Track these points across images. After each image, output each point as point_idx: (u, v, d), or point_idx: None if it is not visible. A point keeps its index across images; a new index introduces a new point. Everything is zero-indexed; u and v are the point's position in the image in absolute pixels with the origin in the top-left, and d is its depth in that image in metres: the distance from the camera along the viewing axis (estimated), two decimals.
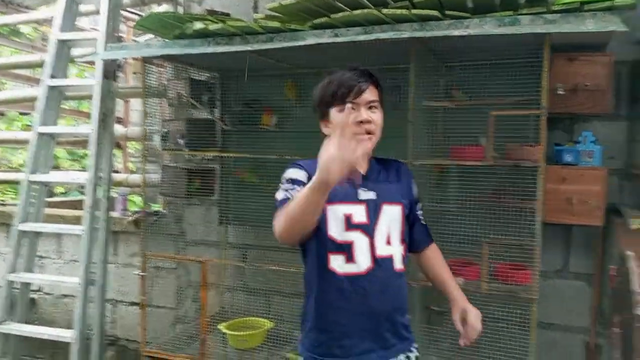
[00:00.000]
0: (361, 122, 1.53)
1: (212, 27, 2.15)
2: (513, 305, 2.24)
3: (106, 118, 2.92)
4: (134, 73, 3.90)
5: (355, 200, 1.58)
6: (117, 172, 4.24)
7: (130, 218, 3.33)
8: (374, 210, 1.59)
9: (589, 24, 1.74)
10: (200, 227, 3.23)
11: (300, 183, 1.54)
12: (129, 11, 4.08)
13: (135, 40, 4.14)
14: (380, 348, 1.58)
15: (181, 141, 2.68)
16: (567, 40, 1.98)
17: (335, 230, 1.55)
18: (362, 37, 2.03)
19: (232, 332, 2.73)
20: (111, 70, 2.90)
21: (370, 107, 1.56)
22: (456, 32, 1.88)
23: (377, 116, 1.57)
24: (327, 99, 1.59)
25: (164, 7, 3.31)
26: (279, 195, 1.57)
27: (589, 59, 2.09)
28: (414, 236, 1.72)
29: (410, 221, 1.70)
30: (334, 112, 1.57)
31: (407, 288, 1.68)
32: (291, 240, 1.51)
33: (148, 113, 2.70)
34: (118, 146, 4.49)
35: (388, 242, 1.60)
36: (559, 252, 2.61)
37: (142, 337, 2.70)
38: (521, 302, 2.11)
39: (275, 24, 2.14)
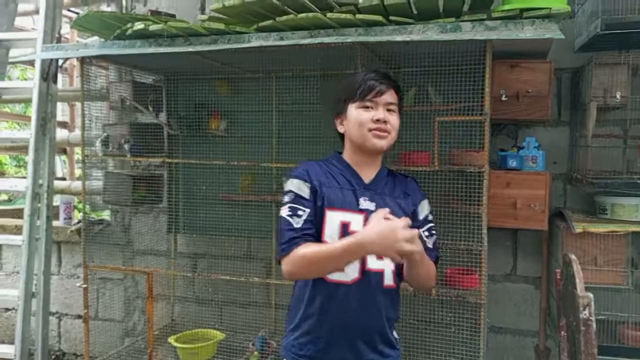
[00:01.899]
0: (378, 120, 1.55)
1: (153, 27, 2.08)
2: (463, 309, 2.25)
3: (46, 122, 2.79)
4: (79, 76, 3.77)
5: (355, 209, 1.58)
6: (63, 179, 4.09)
7: (73, 227, 3.20)
8: None
9: (527, 31, 1.77)
10: (148, 236, 3.13)
11: (305, 202, 1.55)
12: (74, 12, 3.94)
13: (79, 42, 3.99)
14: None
15: (125, 146, 2.59)
16: (509, 47, 2.00)
17: (330, 236, 1.54)
18: (307, 41, 2.01)
19: (182, 345, 2.66)
20: (50, 72, 2.78)
21: (388, 110, 1.58)
22: (399, 38, 1.88)
23: (394, 119, 1.59)
24: (348, 94, 1.62)
25: (109, 8, 3.20)
26: (284, 212, 1.56)
27: (530, 66, 2.13)
28: None
29: None
30: (351, 108, 1.60)
31: (397, 305, 1.65)
32: (301, 278, 1.58)
33: (90, 117, 2.60)
34: (64, 152, 4.33)
35: (380, 257, 1.56)
36: (507, 256, 2.64)
37: (86, 352, 2.59)
38: (470, 306, 2.12)
39: (220, 26, 2.09)
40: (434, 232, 1.69)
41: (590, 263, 2.11)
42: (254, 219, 2.74)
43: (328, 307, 1.55)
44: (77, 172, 4.21)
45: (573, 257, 1.72)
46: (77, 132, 3.66)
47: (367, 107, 1.58)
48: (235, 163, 2.52)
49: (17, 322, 2.73)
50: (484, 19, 1.84)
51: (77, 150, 4.30)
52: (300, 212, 1.52)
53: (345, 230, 1.55)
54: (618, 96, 2.07)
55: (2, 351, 2.84)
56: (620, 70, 2.09)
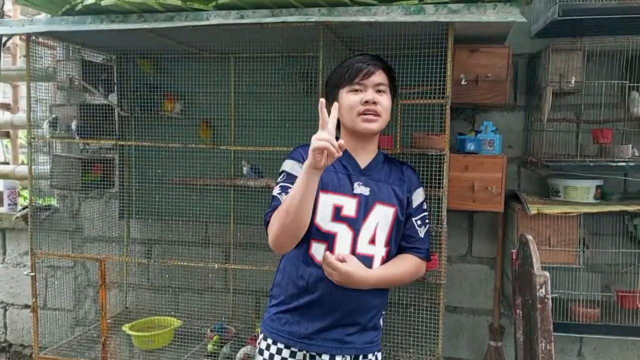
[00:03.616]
0: (367, 102, 1.55)
1: (105, 2, 1.96)
2: (422, 290, 2.28)
3: None
4: (23, 55, 3.55)
5: (349, 193, 1.59)
6: (6, 163, 3.87)
7: (19, 213, 3.03)
8: (364, 207, 1.58)
9: (490, 15, 1.78)
10: (99, 222, 3.01)
11: (295, 179, 1.53)
12: None
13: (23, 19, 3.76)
14: (337, 341, 1.57)
15: (73, 128, 2.46)
16: (469, 31, 2.02)
17: (322, 218, 1.55)
18: (269, 20, 1.95)
19: (137, 333, 2.58)
20: None
21: (378, 91, 1.58)
22: (364, 19, 1.86)
23: (384, 99, 1.59)
24: (336, 80, 1.62)
25: None
26: (275, 191, 1.59)
27: (489, 51, 2.15)
28: (401, 243, 1.68)
29: (404, 229, 1.67)
30: (342, 94, 1.60)
31: (384, 291, 1.67)
32: (286, 244, 1.52)
33: (35, 98, 2.45)
34: (7, 135, 4.09)
35: (372, 242, 1.59)
36: (463, 238, 2.70)
37: (35, 342, 2.48)
38: (430, 287, 2.16)
39: (176, 2, 1.99)
40: (427, 221, 1.71)
41: (544, 243, 2.18)
42: (211, 204, 2.68)
43: (315, 287, 1.56)
44: (21, 157, 3.99)
45: (530, 237, 1.77)
46: (21, 114, 3.47)
47: (356, 91, 1.59)
48: (193, 146, 2.45)
49: None
50: (447, 2, 1.84)
51: (21, 134, 4.08)
52: (289, 190, 1.51)
53: (337, 213, 1.57)
54: (573, 81, 2.12)
55: None
56: (575, 56, 2.15)
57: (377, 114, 1.57)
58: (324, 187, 1.56)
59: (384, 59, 1.65)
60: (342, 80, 1.60)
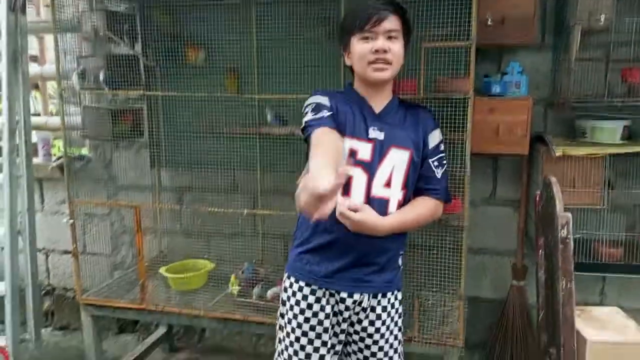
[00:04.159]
0: (377, 51, 1.52)
1: None
2: (445, 233, 2.33)
3: (17, 56, 2.67)
4: (46, 6, 3.56)
5: (364, 137, 1.60)
6: (37, 115, 3.97)
7: (54, 164, 3.15)
8: (379, 151, 1.60)
9: None
10: (131, 171, 3.11)
11: (326, 108, 1.56)
12: None
13: None
14: (356, 280, 1.64)
15: (101, 79, 2.50)
16: None
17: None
18: None
19: (174, 275, 2.71)
20: (18, 2, 2.62)
21: (389, 37, 1.54)
22: None
23: (396, 46, 1.56)
24: (348, 27, 1.59)
25: None
26: (308, 117, 1.57)
27: None
28: (418, 185, 1.70)
29: (421, 170, 1.69)
30: (354, 41, 1.58)
31: (403, 234, 1.72)
32: None
33: (62, 49, 2.49)
34: (37, 88, 4.17)
35: (387, 185, 1.61)
36: (487, 182, 2.72)
37: (77, 286, 2.63)
38: (452, 229, 2.20)
39: None
40: (444, 162, 1.72)
41: (568, 185, 2.18)
42: (238, 152, 2.73)
43: (332, 228, 1.60)
44: (50, 107, 4.08)
45: (553, 179, 1.78)
46: (49, 66, 3.52)
47: (366, 38, 1.56)
48: (219, 95, 2.48)
49: (4, 260, 2.74)
50: None
51: (49, 85, 4.15)
52: (324, 111, 1.55)
53: (353, 157, 1.58)
54: (602, 19, 2.06)
55: None
56: None
57: (387, 62, 1.55)
58: (342, 129, 1.57)
59: (399, 1, 1.60)
60: (353, 28, 1.57)
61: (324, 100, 1.60)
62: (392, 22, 1.55)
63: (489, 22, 2.11)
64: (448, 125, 2.01)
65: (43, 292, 3.55)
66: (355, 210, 1.49)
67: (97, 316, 2.64)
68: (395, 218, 1.61)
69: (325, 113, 1.56)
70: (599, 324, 1.82)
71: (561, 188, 1.73)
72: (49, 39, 3.56)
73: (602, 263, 2.28)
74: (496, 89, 2.24)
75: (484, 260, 2.79)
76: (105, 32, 2.49)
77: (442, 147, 1.72)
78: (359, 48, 1.56)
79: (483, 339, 2.78)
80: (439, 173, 1.70)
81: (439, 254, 2.25)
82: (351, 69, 1.67)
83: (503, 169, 2.68)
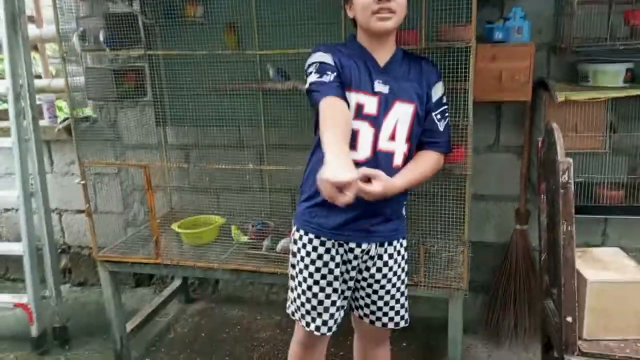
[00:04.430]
0: (380, 0, 1.51)
1: None
2: (448, 181, 2.36)
3: (16, 18, 2.65)
4: None
5: (370, 91, 1.61)
6: (39, 77, 3.96)
7: (60, 125, 3.17)
8: (384, 105, 1.61)
9: None
10: (136, 130, 3.13)
11: (330, 67, 1.56)
12: None
13: None
14: (363, 231, 1.69)
15: (101, 39, 2.49)
16: None
17: None
18: None
19: (186, 231, 2.78)
20: None
21: None
22: None
23: None
24: None
25: None
26: (312, 78, 1.57)
27: None
28: (421, 138, 1.73)
29: (424, 123, 1.71)
30: None
31: None
32: None
33: (60, 8, 2.45)
34: (35, 49, 4.13)
35: (392, 138, 1.63)
36: (490, 129, 2.73)
37: (93, 244, 2.71)
38: (456, 178, 2.23)
39: None
40: (447, 114, 1.74)
41: (571, 130, 2.20)
42: (242, 108, 2.74)
43: None
44: (51, 69, 4.06)
45: (555, 125, 1.80)
46: (47, 27, 3.48)
47: None
48: (220, 52, 2.47)
49: (20, 221, 2.82)
50: None
51: (48, 46, 4.11)
52: (328, 73, 1.55)
53: (359, 111, 1.60)
54: None
55: (11, 249, 2.97)
56: None
57: (391, 11, 1.53)
58: (347, 84, 1.59)
59: None
60: None
61: (327, 58, 1.60)
62: None
63: None
64: (450, 74, 2.01)
65: (59, 250, 3.66)
66: (369, 180, 1.48)
67: (114, 272, 2.73)
68: (404, 180, 1.65)
69: (330, 75, 1.56)
70: (599, 265, 1.88)
71: (564, 133, 1.75)
72: None
73: (604, 205, 2.33)
74: (498, 35, 2.21)
75: (487, 206, 2.85)
76: None
77: (444, 100, 1.73)
78: (362, 2, 1.54)
79: (487, 282, 2.87)
80: (441, 126, 1.72)
81: (443, 202, 2.29)
82: (353, 21, 1.66)
83: (506, 116, 2.69)
